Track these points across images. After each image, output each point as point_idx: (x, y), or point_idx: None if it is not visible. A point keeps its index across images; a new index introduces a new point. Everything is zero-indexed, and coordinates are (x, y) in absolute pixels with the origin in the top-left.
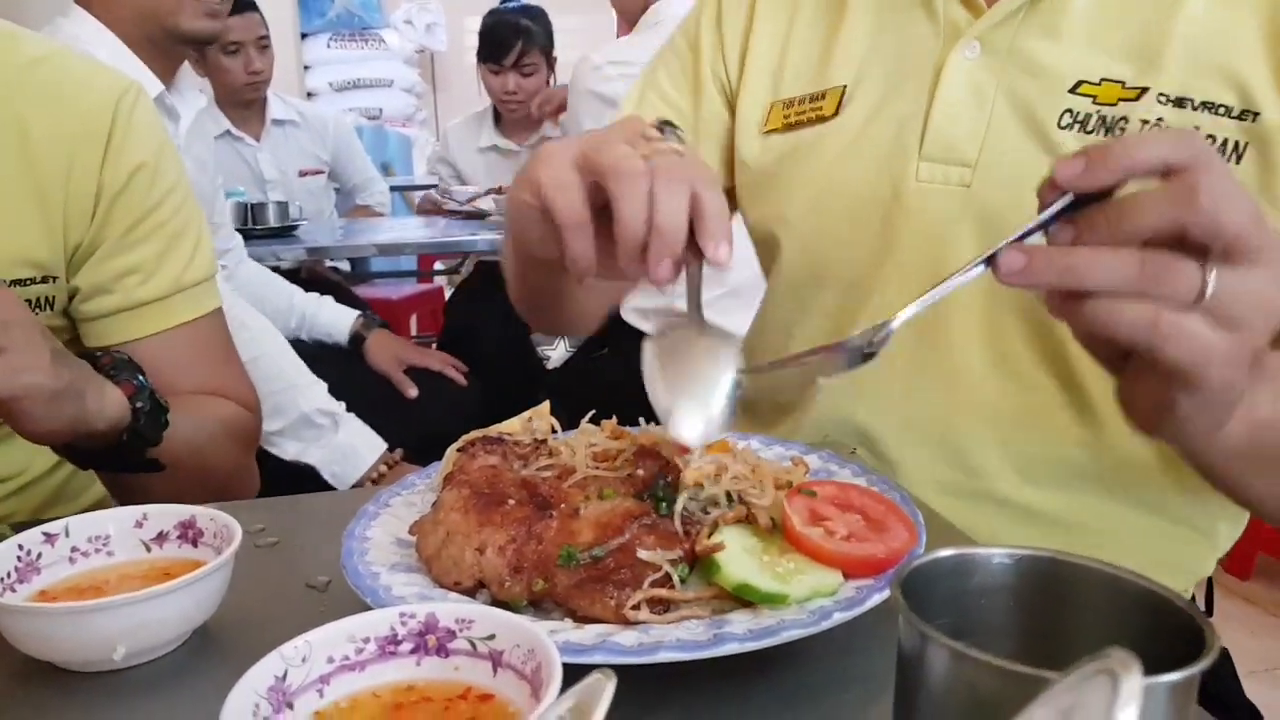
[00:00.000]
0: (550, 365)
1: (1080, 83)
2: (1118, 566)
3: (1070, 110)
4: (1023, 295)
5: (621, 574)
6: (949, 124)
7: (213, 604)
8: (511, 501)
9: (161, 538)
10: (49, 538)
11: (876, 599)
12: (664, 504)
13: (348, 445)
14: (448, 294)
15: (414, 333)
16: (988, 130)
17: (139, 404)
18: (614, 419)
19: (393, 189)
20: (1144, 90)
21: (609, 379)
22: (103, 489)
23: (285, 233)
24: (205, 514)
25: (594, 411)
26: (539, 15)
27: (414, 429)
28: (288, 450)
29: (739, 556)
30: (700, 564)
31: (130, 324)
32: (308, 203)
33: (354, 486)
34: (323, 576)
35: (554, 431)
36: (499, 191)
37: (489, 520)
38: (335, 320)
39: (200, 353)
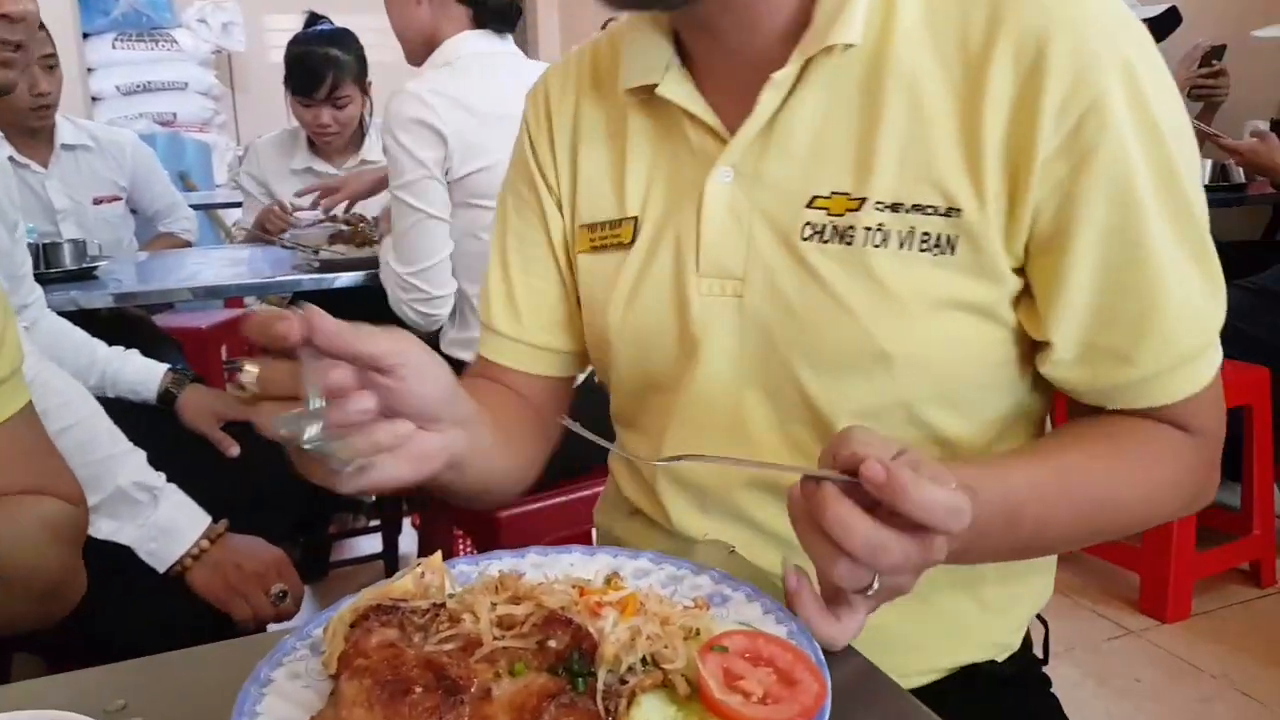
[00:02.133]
0: None
1: (814, 197)
2: None
3: (809, 223)
4: (804, 409)
5: None
6: (716, 243)
7: None
8: (418, 689)
9: None
10: None
11: None
12: (580, 679)
13: (168, 521)
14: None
15: (225, 358)
16: (749, 246)
17: None
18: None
19: (196, 208)
20: (863, 200)
21: None
22: None
23: (84, 275)
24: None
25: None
26: (349, 41)
27: (244, 487)
28: (101, 529)
29: None
30: None
31: None
32: (104, 233)
33: (173, 566)
34: None
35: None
36: (339, 234)
37: (396, 714)
38: (142, 379)
39: (17, 452)
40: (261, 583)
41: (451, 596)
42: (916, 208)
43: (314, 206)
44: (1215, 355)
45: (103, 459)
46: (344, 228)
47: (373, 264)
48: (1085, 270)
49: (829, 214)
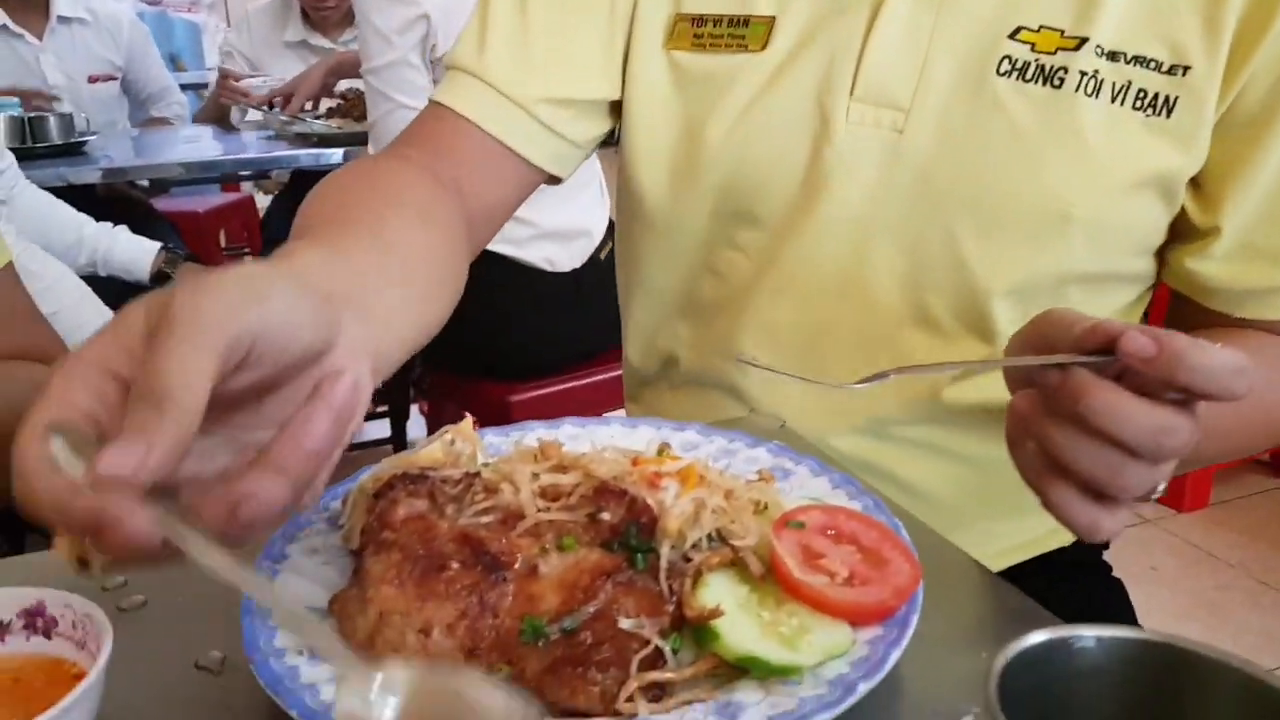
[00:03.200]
0: None
1: (1019, 29)
2: (1236, 656)
3: (1009, 57)
4: (950, 270)
5: (603, 652)
6: (883, 64)
7: None
8: (455, 565)
9: (2, 630)
10: None
11: (895, 656)
12: (639, 556)
13: None
14: (258, 201)
15: (223, 245)
16: (923, 74)
17: None
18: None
19: (184, 87)
20: (1083, 41)
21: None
22: None
23: (73, 150)
24: (58, 599)
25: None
26: None
27: None
28: None
29: (738, 619)
30: (690, 626)
31: None
32: (97, 113)
33: None
34: (215, 651)
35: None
36: (335, 108)
37: (431, 592)
38: (133, 257)
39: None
40: None
41: (485, 466)
42: (1138, 60)
43: (273, 106)
44: None
45: None
46: (340, 102)
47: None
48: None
49: (1035, 50)
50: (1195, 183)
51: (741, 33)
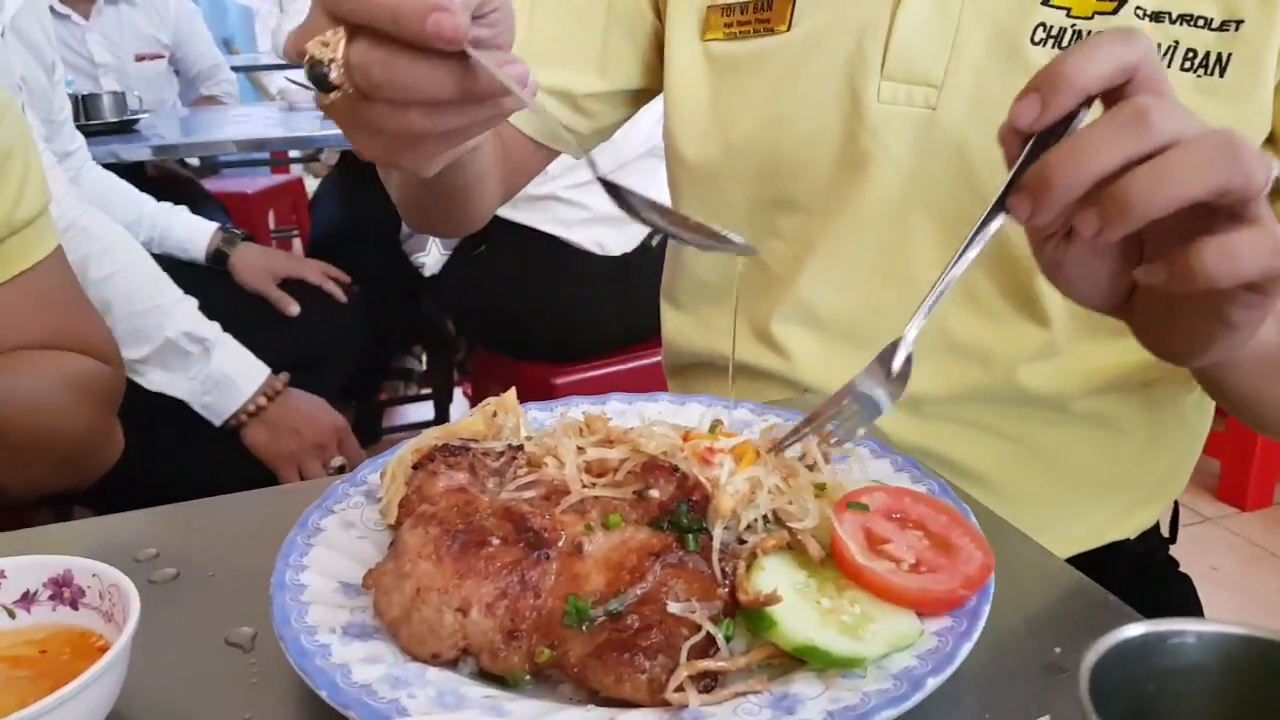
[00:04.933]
0: (428, 273)
1: None
2: None
3: (1044, 24)
4: (992, 248)
5: (651, 637)
6: (913, 41)
7: (109, 703)
8: (495, 540)
9: (28, 599)
10: None
11: (966, 649)
12: (690, 536)
13: (220, 374)
14: (307, 183)
15: (273, 227)
16: (953, 48)
17: None
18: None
19: (236, 69)
20: (1122, 2)
21: (492, 278)
22: None
23: (124, 128)
24: (85, 568)
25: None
26: None
27: (294, 347)
28: (153, 380)
29: (796, 606)
30: (744, 612)
31: None
32: (146, 91)
33: (229, 420)
34: (246, 627)
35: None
36: None
37: (470, 569)
38: (191, 235)
39: (38, 303)
40: (321, 454)
41: (529, 439)
42: (1184, 18)
43: None
44: None
45: (149, 309)
46: None
47: None
48: None
49: (1070, 15)
50: (1273, 143)
51: (766, 15)
